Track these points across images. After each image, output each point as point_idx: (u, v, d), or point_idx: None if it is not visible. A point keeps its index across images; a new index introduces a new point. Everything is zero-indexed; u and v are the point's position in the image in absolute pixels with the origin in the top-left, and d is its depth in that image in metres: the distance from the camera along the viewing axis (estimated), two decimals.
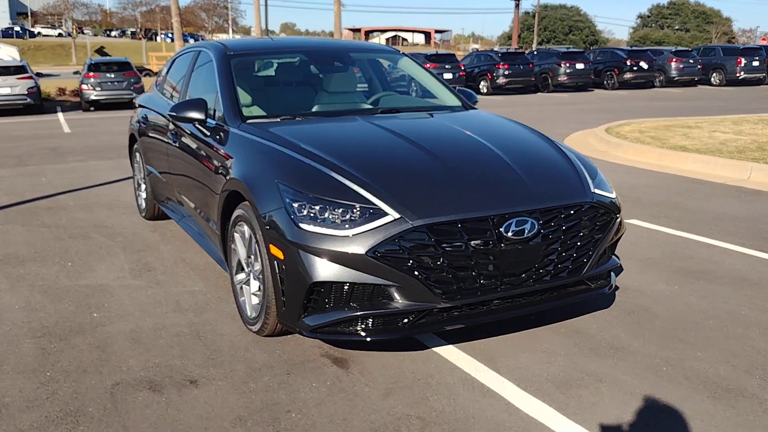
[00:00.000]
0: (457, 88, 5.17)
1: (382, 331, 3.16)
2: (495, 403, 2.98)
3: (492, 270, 3.20)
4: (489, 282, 3.22)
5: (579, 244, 3.44)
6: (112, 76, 20.43)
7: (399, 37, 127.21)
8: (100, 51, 61.18)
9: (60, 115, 18.32)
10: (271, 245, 3.27)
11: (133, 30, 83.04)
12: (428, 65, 24.90)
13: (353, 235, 3.05)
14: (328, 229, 3.08)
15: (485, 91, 25.59)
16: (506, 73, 25.59)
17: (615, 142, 10.44)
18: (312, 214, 3.13)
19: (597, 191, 3.63)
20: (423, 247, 3.08)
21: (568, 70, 26.27)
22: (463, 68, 25.85)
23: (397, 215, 3.09)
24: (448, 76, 25.05)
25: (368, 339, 3.16)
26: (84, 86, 20.01)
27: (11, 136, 13.39)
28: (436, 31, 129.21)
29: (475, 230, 3.17)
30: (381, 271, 3.04)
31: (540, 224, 3.30)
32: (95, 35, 78.99)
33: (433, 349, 3.51)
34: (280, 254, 3.22)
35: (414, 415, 2.88)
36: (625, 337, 3.64)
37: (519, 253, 3.25)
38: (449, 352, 3.48)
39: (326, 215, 3.12)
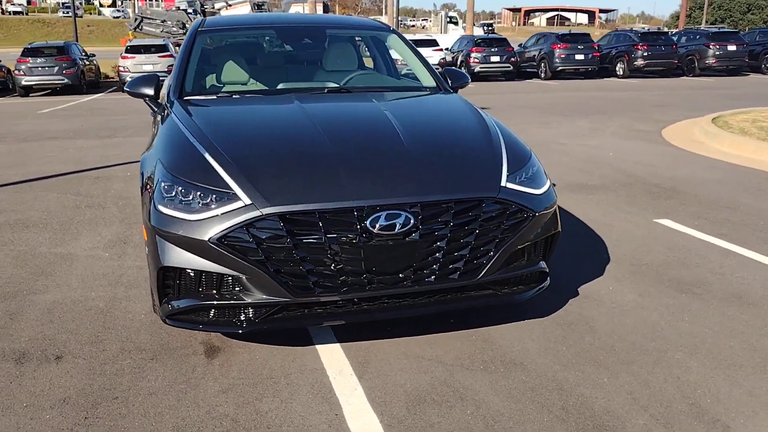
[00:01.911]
0: (463, 69, 4.86)
1: (233, 323, 2.99)
2: (325, 413, 2.72)
3: (358, 267, 2.91)
4: (355, 279, 2.93)
5: (474, 243, 3.04)
6: None
7: (559, 16, 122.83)
8: None
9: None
10: (143, 227, 3.20)
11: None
12: (558, 46, 23.80)
13: (199, 219, 2.89)
14: (179, 213, 2.94)
15: (621, 73, 23.99)
16: (645, 54, 23.82)
17: (714, 132, 9.37)
18: (173, 197, 3.00)
19: (510, 186, 3.19)
20: (274, 238, 2.85)
21: (717, 53, 23.96)
22: (597, 49, 24.37)
23: (248, 201, 2.88)
24: (579, 57, 23.79)
25: (209, 329, 3.00)
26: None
27: (123, 109, 14.35)
28: (601, 11, 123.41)
29: (337, 222, 2.89)
30: (226, 260, 2.86)
31: (419, 219, 2.94)
32: None
33: (317, 345, 3.28)
34: (145, 236, 3.13)
35: (231, 416, 2.70)
36: (535, 353, 3.20)
37: (391, 250, 2.93)
38: (329, 350, 3.24)
39: (189, 198, 2.97)
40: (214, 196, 2.92)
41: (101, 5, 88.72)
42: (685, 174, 7.18)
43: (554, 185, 3.55)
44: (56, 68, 20.65)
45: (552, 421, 2.64)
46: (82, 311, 3.72)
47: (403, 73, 5.30)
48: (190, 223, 2.89)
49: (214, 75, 4.40)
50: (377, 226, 2.88)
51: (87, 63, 22.24)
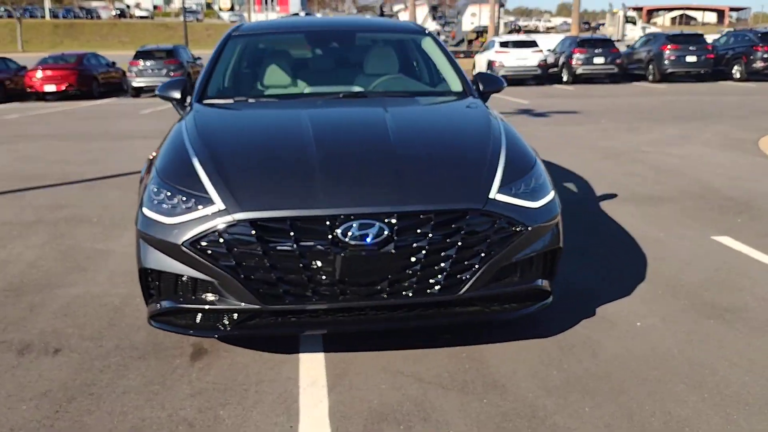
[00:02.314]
0: (500, 74, 4.72)
1: (207, 327, 3.00)
2: (281, 424, 2.68)
3: (329, 277, 2.85)
4: (327, 289, 2.87)
5: (456, 257, 2.90)
6: None
7: (685, 15, 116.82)
8: None
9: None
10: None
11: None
12: (668, 47, 22.63)
13: (175, 223, 2.92)
14: (160, 216, 2.98)
15: (738, 76, 22.49)
16: (765, 56, 22.21)
17: None
18: (159, 200, 3.04)
19: (501, 197, 3.02)
20: (246, 244, 2.84)
21: None
22: (711, 50, 22.97)
23: (222, 207, 2.89)
24: (691, 59, 22.53)
25: (185, 332, 3.01)
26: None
27: None
28: (731, 9, 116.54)
29: (309, 230, 2.84)
30: (199, 265, 2.87)
31: (395, 230, 2.84)
32: None
33: (300, 354, 3.25)
34: (135, 238, 3.20)
35: (189, 421, 2.71)
36: (521, 375, 3.02)
37: (364, 261, 2.84)
38: (310, 360, 3.19)
39: (173, 202, 3.00)
40: (193, 200, 2.95)
41: (221, 9, 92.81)
42: (767, 188, 6.61)
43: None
44: (164, 71, 21.83)
45: None
46: (97, 307, 3.86)
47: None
48: (167, 227, 2.92)
49: (239, 79, 4.45)
50: (349, 235, 2.81)
51: (194, 66, 23.34)
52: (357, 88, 4.35)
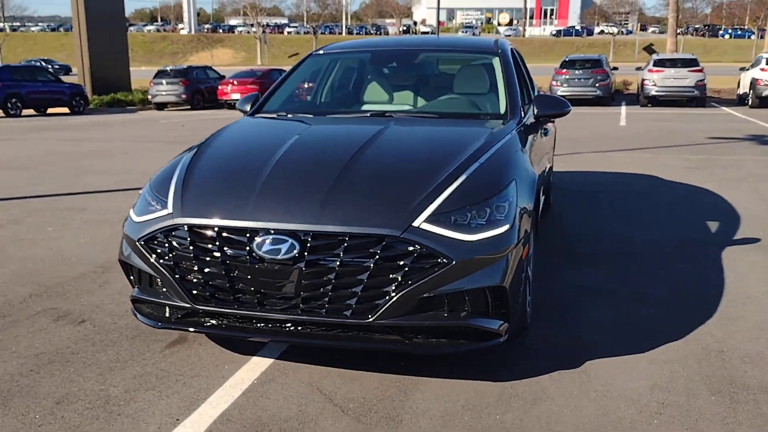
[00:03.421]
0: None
1: (159, 318, 3.31)
2: (170, 415, 2.90)
3: (247, 286, 3.01)
4: (247, 298, 3.04)
5: (367, 282, 2.89)
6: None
7: None
8: (649, 48, 61.72)
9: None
10: None
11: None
12: None
13: (138, 222, 3.29)
14: (133, 215, 3.38)
15: None
16: None
17: None
18: (141, 203, 3.43)
19: (427, 226, 2.91)
20: (183, 247, 3.11)
21: None
22: None
23: (170, 211, 3.20)
24: None
25: (142, 320, 3.34)
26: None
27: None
28: None
29: (231, 240, 3.02)
30: (147, 261, 3.21)
31: (308, 248, 2.92)
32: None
33: (254, 357, 3.43)
34: None
35: (107, 397, 3.04)
36: (428, 416, 2.88)
37: (277, 275, 2.95)
38: (256, 364, 3.36)
39: (146, 204, 3.36)
40: (157, 204, 3.29)
41: (499, 24, 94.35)
42: None
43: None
44: None
45: None
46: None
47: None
48: (134, 225, 3.30)
49: (297, 96, 4.73)
50: (262, 249, 2.93)
51: None
52: (401, 108, 4.38)
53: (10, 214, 6.76)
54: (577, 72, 21.28)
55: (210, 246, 3.02)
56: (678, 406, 2.94)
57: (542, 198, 5.32)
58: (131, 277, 3.41)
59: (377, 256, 2.86)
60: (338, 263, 2.87)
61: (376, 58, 5.03)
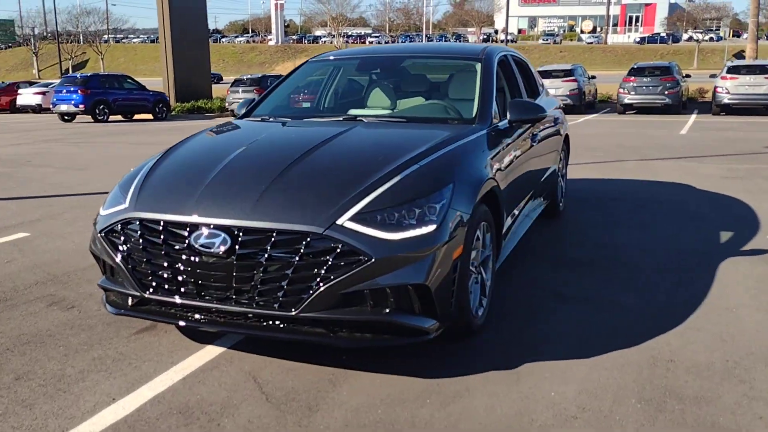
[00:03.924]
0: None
1: (119, 306, 3.55)
2: (109, 394, 3.12)
3: (187, 277, 3.22)
4: (187, 288, 3.24)
5: (292, 276, 3.04)
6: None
7: None
8: (739, 55, 59.15)
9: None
10: None
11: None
12: None
13: (103, 215, 3.56)
14: (101, 209, 3.65)
15: None
16: None
17: None
18: (108, 199, 3.69)
19: (350, 225, 3.03)
20: (134, 239, 3.35)
21: None
22: None
23: (126, 206, 3.45)
24: None
25: (106, 306, 3.60)
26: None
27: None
28: None
29: (173, 233, 3.23)
30: (106, 251, 3.47)
31: (239, 242, 3.09)
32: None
33: (209, 346, 3.62)
34: None
35: (61, 376, 3.29)
36: (344, 408, 2.99)
37: (213, 268, 3.14)
38: (208, 352, 3.55)
39: (114, 200, 3.62)
40: (120, 200, 3.54)
41: (582, 31, 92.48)
42: None
43: None
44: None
45: None
46: None
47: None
48: (100, 218, 3.57)
49: (283, 99, 4.93)
50: (199, 242, 3.13)
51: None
52: (375, 112, 4.51)
53: (50, 210, 7.28)
54: (645, 79, 20.69)
55: (156, 239, 3.24)
56: (598, 411, 2.93)
57: (540, 201, 5.33)
58: (100, 267, 3.68)
59: (301, 252, 2.99)
60: (266, 257, 3.02)
61: (363, 64, 5.18)
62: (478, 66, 4.64)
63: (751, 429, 2.79)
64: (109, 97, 23.23)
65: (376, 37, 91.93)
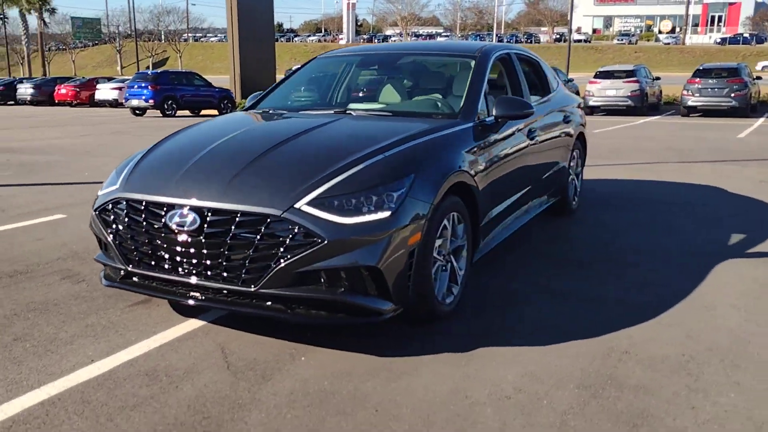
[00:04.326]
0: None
1: (111, 279, 3.86)
2: (85, 357, 3.43)
3: (163, 253, 3.50)
4: (165, 264, 3.53)
5: (253, 254, 3.28)
6: None
7: None
8: None
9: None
10: None
11: None
12: None
13: (98, 195, 3.89)
14: (99, 190, 3.98)
15: None
16: None
17: None
18: (107, 180, 4.02)
19: (308, 209, 3.23)
20: (121, 217, 3.66)
21: None
22: None
23: (117, 186, 3.77)
24: None
25: (102, 282, 3.92)
26: None
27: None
28: None
29: (152, 212, 3.52)
30: (99, 228, 3.79)
31: (207, 222, 3.35)
32: None
33: (191, 319, 3.90)
34: None
35: (49, 337, 3.64)
36: (293, 381, 3.21)
37: (184, 245, 3.41)
38: (190, 324, 3.83)
39: (110, 182, 3.93)
40: (114, 182, 3.86)
41: (660, 32, 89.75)
42: None
43: None
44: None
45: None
46: None
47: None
48: (97, 197, 3.91)
49: (288, 92, 5.19)
50: (173, 221, 3.41)
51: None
52: (367, 106, 4.71)
53: (92, 195, 7.72)
54: (711, 81, 20.08)
55: (138, 217, 3.54)
56: (533, 394, 3.04)
57: (544, 198, 5.41)
58: (98, 243, 4.01)
59: (262, 233, 3.23)
60: (231, 237, 3.27)
61: (363, 61, 5.37)
62: (473, 63, 4.77)
63: (677, 417, 2.85)
64: (177, 93, 24.22)
65: (445, 36, 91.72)
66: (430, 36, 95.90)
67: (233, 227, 3.27)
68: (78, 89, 32.68)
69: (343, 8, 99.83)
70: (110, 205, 3.69)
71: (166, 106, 23.95)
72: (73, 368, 3.28)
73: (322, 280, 3.25)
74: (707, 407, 2.93)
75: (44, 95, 33.99)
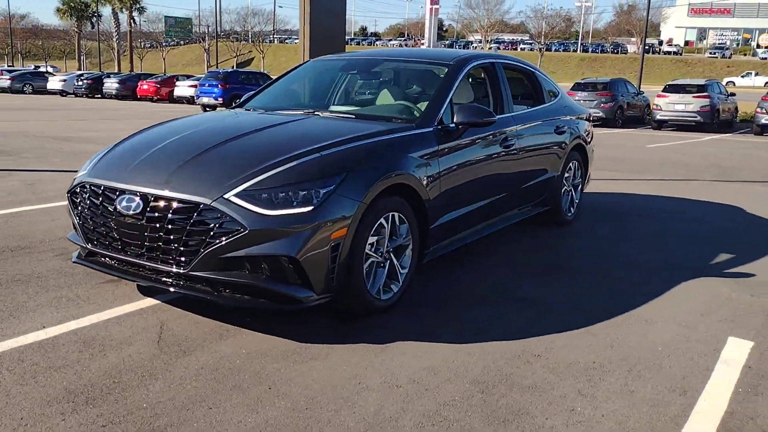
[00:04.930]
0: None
1: (80, 256, 4.25)
2: (37, 323, 3.81)
3: (114, 234, 3.84)
4: (115, 243, 3.87)
5: (185, 239, 3.58)
6: None
7: None
8: None
9: None
10: None
11: None
12: None
13: (74, 178, 4.29)
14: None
15: None
16: None
17: None
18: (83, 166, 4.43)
19: (235, 199, 3.49)
20: (85, 200, 4.03)
21: None
22: None
23: (85, 171, 4.15)
24: None
25: (73, 259, 4.31)
26: None
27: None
28: None
29: (107, 196, 3.87)
30: (68, 208, 4.19)
31: (148, 208, 3.68)
32: None
33: (148, 299, 4.25)
34: None
35: (19, 305, 4.05)
36: (210, 358, 3.49)
37: (130, 227, 3.74)
38: (146, 302, 4.17)
39: (83, 168, 4.35)
40: (86, 166, 4.25)
41: (758, 46, 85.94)
42: None
43: None
44: (595, 102, 22.20)
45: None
46: None
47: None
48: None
49: (271, 94, 5.49)
50: (121, 205, 3.75)
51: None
52: (335, 108, 4.98)
53: None
54: None
55: (96, 200, 3.89)
56: (424, 385, 3.20)
57: (526, 207, 5.51)
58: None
59: (194, 219, 3.52)
60: (167, 221, 3.58)
61: (346, 66, 5.61)
62: (444, 71, 4.94)
63: (551, 417, 2.95)
64: (244, 92, 25.03)
65: (529, 43, 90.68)
66: (512, 44, 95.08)
67: (170, 213, 3.57)
68: (158, 85, 34.29)
69: (425, 13, 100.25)
70: (78, 189, 4.06)
71: (234, 104, 24.85)
72: (25, 332, 3.66)
73: (246, 266, 3.50)
74: (587, 411, 3.02)
75: (128, 90, 35.82)
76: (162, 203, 3.61)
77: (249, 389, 3.11)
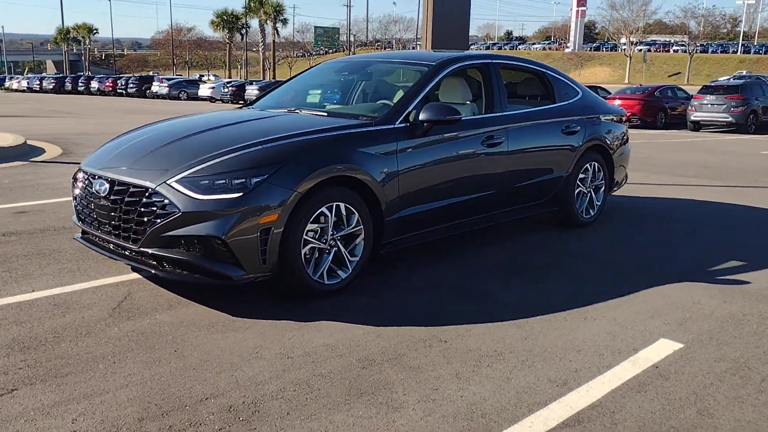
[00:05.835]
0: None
1: (80, 237, 4.90)
2: (22, 290, 4.46)
3: (93, 214, 4.43)
4: (96, 222, 4.46)
5: (137, 219, 4.08)
6: None
7: None
8: None
9: None
10: None
11: None
12: None
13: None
14: None
15: None
16: None
17: None
18: None
19: (175, 185, 3.93)
20: (78, 183, 4.67)
21: None
22: None
23: (84, 161, 4.80)
24: None
25: (75, 237, 4.97)
26: None
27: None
28: None
29: (89, 182, 4.48)
30: (72, 192, 4.86)
31: (114, 191, 4.23)
32: None
33: (133, 274, 4.82)
34: None
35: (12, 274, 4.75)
36: (178, 326, 3.96)
37: (102, 208, 4.30)
38: (121, 278, 4.73)
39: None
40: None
41: None
42: None
43: None
44: (724, 106, 21.52)
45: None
46: None
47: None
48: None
49: (277, 93, 5.92)
50: (95, 188, 4.34)
51: (761, 104, 21.93)
52: (315, 107, 5.34)
53: None
54: None
55: (83, 184, 4.51)
56: (310, 357, 3.45)
57: (525, 205, 5.61)
58: None
59: (143, 202, 4.02)
60: (125, 203, 4.11)
61: (341, 68, 5.94)
62: (422, 72, 5.14)
63: (409, 393, 3.12)
64: None
65: (682, 45, 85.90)
66: (664, 45, 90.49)
67: (127, 196, 4.09)
68: None
69: (572, 16, 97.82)
70: (77, 175, 4.70)
71: None
72: (13, 293, 4.31)
73: (182, 244, 3.94)
74: (449, 392, 3.15)
75: None
76: (123, 187, 4.13)
77: (157, 350, 3.53)
